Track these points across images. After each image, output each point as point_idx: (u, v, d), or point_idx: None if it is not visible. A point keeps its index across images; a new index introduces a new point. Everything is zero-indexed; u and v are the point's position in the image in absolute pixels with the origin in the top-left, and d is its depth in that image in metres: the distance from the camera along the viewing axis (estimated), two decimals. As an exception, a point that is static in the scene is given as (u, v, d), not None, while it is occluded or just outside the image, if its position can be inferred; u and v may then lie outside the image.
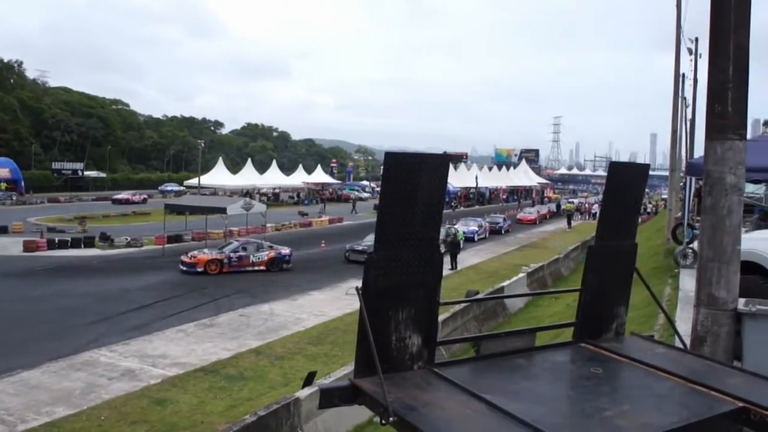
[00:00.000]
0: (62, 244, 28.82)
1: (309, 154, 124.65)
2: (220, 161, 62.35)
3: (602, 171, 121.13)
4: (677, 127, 23.92)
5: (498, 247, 35.41)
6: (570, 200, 71.91)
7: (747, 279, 6.07)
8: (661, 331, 7.94)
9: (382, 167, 2.84)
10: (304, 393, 8.50)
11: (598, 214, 4.74)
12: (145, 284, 21.60)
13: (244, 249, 25.07)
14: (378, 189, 51.87)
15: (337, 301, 19.14)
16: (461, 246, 28.83)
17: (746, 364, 4.93)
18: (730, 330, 5.10)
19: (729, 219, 5.07)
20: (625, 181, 3.70)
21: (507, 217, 47.18)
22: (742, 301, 5.19)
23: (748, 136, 5.41)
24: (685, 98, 27.98)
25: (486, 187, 76.95)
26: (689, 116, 30.46)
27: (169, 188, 69.52)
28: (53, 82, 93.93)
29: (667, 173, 34.05)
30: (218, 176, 57.81)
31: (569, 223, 50.12)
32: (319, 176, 71.91)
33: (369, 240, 25.97)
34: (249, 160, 67.11)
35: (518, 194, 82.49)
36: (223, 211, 28.84)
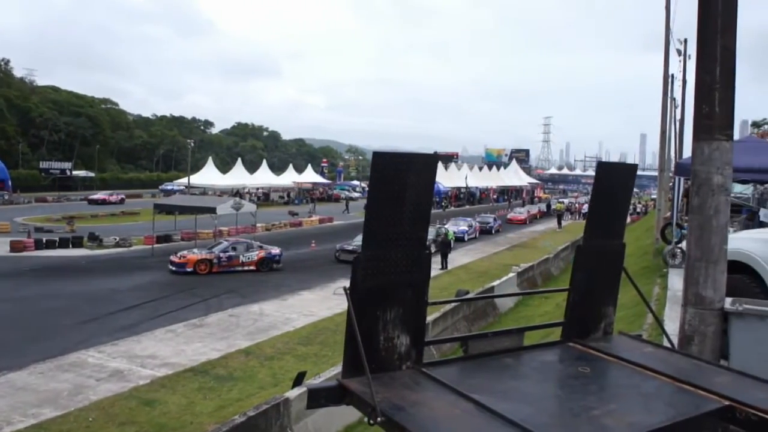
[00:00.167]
0: (50, 244, 28.60)
1: (299, 153, 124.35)
2: (210, 161, 62.12)
3: (592, 171, 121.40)
4: (666, 127, 24.10)
5: (488, 246, 35.51)
6: (560, 200, 72.23)
7: (734, 279, 6.12)
8: (649, 330, 7.99)
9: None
10: (293, 393, 8.48)
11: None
12: (134, 284, 21.47)
13: (234, 249, 24.99)
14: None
15: (327, 301, 19.11)
16: (452, 246, 28.89)
17: (733, 363, 4.96)
18: (717, 329, 5.13)
19: (716, 219, 5.10)
20: (613, 181, 3.71)
21: (497, 217, 47.33)
22: (728, 300, 5.23)
23: (736, 137, 5.45)
24: (674, 99, 28.21)
25: (476, 187, 77.15)
26: (678, 117, 30.70)
27: (169, 187, 68.80)
28: (41, 81, 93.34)
29: (656, 173, 34.31)
30: (208, 176, 57.60)
31: (559, 223, 50.34)
32: (310, 176, 71.83)
33: (359, 240, 25.84)
34: (239, 159, 66.97)
35: (508, 194, 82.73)
36: (212, 210, 28.75)
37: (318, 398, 2.81)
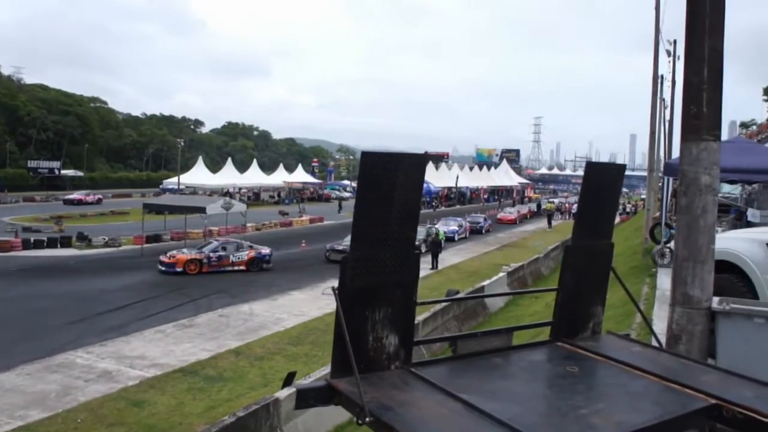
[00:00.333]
0: (38, 244, 28.37)
1: (290, 153, 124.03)
2: (200, 160, 61.91)
3: (582, 171, 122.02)
4: (656, 128, 24.25)
5: (478, 246, 35.58)
6: (550, 200, 72.52)
7: (722, 278, 6.16)
8: (638, 330, 8.03)
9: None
10: (283, 393, 8.45)
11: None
12: (123, 284, 21.33)
13: (224, 249, 24.90)
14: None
15: (318, 301, 19.06)
16: (443, 246, 28.94)
17: (720, 362, 5.00)
18: (705, 328, 5.17)
19: (703, 219, 5.13)
20: (602, 181, 3.72)
21: (488, 216, 47.42)
22: (716, 299, 5.26)
23: (725, 137, 5.50)
24: (663, 100, 28.38)
25: (467, 187, 77.29)
26: (668, 117, 30.90)
27: (170, 187, 67.95)
28: (29, 79, 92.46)
29: (646, 173, 34.50)
30: (198, 175, 57.39)
31: (549, 223, 50.51)
32: (300, 176, 71.67)
33: (349, 240, 25.93)
34: (229, 159, 66.75)
35: (499, 194, 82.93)
36: (202, 210, 28.60)
37: (306, 398, 2.81)
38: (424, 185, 3.22)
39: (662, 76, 26.67)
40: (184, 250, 25.32)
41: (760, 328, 5.14)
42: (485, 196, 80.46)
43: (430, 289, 20.02)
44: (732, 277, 6.67)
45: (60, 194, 60.28)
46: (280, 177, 67.86)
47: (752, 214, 12.75)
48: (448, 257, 29.73)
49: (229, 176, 59.20)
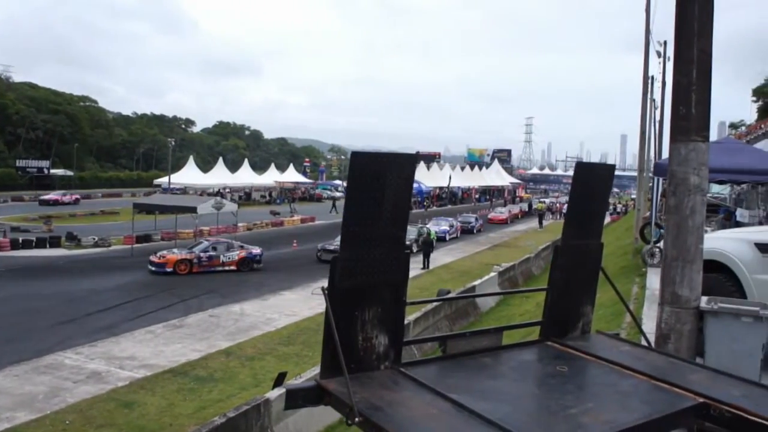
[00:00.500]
0: (27, 244, 28.15)
1: (281, 153, 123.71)
2: (191, 160, 61.55)
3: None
4: (646, 128, 24.38)
5: (470, 246, 35.65)
6: (541, 200, 72.78)
7: (710, 278, 6.20)
8: (628, 329, 8.08)
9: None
10: (274, 394, 8.44)
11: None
12: (113, 285, 21.20)
13: (215, 249, 24.80)
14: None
15: (309, 301, 19.00)
16: (434, 245, 28.98)
17: (708, 361, 5.03)
18: (693, 327, 5.21)
19: (692, 219, 5.17)
20: (591, 181, 3.73)
21: (479, 216, 47.51)
22: (704, 299, 5.31)
23: (715, 138, 5.54)
24: (653, 100, 28.55)
25: (458, 187, 77.37)
26: (658, 118, 31.09)
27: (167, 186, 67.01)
28: (18, 78, 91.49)
29: (636, 174, 34.67)
30: (189, 175, 57.07)
31: (540, 223, 50.68)
32: (292, 175, 71.48)
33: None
34: (220, 158, 66.46)
35: (490, 194, 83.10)
36: (193, 210, 28.47)
37: (296, 399, 2.80)
38: (416, 185, 3.23)
39: (653, 77, 26.89)
40: (175, 250, 25.20)
41: (748, 327, 5.19)
42: (477, 196, 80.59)
43: (421, 289, 20.04)
44: (720, 276, 6.73)
45: (43, 194, 56.92)
46: (271, 177, 67.65)
47: (741, 214, 12.87)
48: (440, 257, 29.77)
49: (220, 176, 58.92)
